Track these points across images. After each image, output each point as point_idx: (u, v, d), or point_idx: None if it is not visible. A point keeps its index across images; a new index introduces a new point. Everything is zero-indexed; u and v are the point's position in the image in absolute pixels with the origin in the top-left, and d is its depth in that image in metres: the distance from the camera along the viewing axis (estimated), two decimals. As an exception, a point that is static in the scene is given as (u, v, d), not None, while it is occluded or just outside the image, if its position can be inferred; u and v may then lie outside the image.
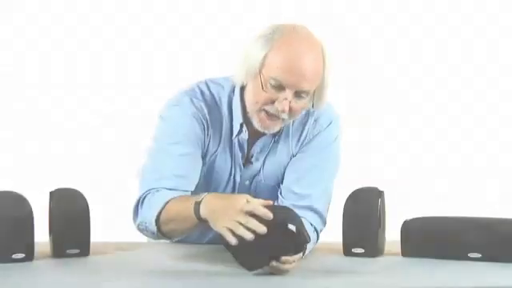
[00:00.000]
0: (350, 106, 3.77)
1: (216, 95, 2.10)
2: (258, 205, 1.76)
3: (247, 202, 1.77)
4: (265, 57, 1.96)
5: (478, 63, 3.80)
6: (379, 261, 2.05)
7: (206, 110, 2.07)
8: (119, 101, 3.63)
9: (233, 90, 2.09)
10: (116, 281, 1.81)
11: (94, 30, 3.70)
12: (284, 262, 1.80)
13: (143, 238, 2.33)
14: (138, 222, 2.02)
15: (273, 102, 1.97)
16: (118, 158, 3.58)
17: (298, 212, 2.01)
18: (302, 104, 1.99)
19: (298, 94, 1.96)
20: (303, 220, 1.99)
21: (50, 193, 2.05)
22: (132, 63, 3.72)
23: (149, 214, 1.98)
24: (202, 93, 2.09)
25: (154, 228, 1.97)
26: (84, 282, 1.80)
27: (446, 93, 3.81)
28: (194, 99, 2.07)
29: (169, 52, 3.68)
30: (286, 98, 1.95)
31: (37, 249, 1.99)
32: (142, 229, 2.01)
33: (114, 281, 1.81)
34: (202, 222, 1.85)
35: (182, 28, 3.68)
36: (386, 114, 3.81)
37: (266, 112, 1.99)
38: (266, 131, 2.03)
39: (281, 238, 1.77)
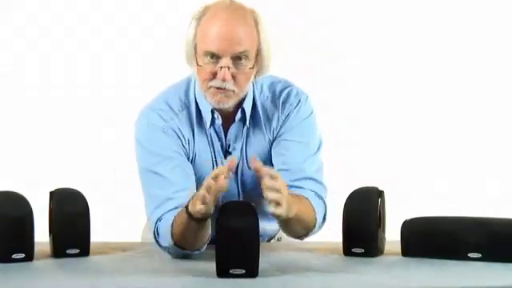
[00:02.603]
0: (350, 106, 3.78)
1: (183, 97, 2.12)
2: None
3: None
4: (195, 35, 2.01)
5: (478, 62, 3.79)
6: (379, 261, 2.05)
7: (175, 118, 2.10)
8: (119, 101, 3.63)
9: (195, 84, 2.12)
10: (116, 281, 1.81)
11: (93, 30, 3.70)
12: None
13: (144, 239, 2.33)
14: (166, 250, 2.03)
15: (215, 76, 1.99)
16: (118, 158, 3.58)
17: (298, 184, 2.07)
18: (244, 70, 2.00)
19: (235, 60, 1.98)
20: (303, 190, 2.07)
21: (50, 193, 2.05)
22: (132, 63, 3.72)
23: (167, 242, 2.00)
24: (166, 101, 2.11)
25: (177, 250, 1.99)
26: (84, 282, 1.80)
27: (447, 92, 3.81)
28: (159, 112, 2.10)
29: (169, 52, 3.67)
30: (223, 66, 1.97)
31: (37, 249, 1.99)
32: (172, 253, 2.02)
33: (114, 281, 1.81)
34: (198, 220, 1.87)
35: (183, 28, 3.68)
36: (386, 113, 3.81)
37: (213, 87, 2.01)
38: (220, 106, 2.04)
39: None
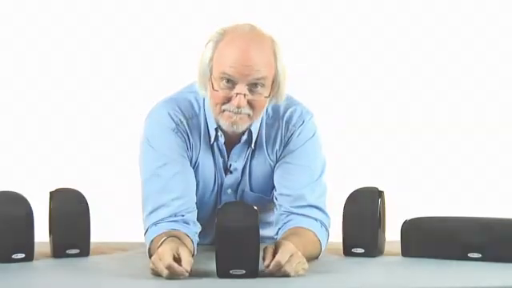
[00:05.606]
0: (350, 106, 3.78)
1: (194, 102, 2.11)
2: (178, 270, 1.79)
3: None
4: (211, 58, 1.99)
5: (478, 63, 3.80)
6: (379, 261, 2.06)
7: (185, 122, 2.09)
8: (119, 101, 3.63)
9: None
10: (116, 281, 1.81)
11: (93, 30, 3.70)
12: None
13: (143, 238, 2.33)
14: None
15: (230, 100, 1.98)
16: (118, 158, 3.58)
17: (301, 211, 2.06)
18: (259, 96, 1.98)
19: (252, 87, 1.96)
20: (309, 219, 2.05)
21: (50, 193, 2.05)
22: (132, 63, 3.72)
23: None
24: (178, 104, 2.10)
25: None
26: (84, 282, 1.80)
27: (446, 93, 3.81)
28: (171, 112, 2.09)
29: (169, 52, 3.68)
30: (239, 93, 1.96)
31: (37, 249, 1.99)
32: None
33: (114, 281, 1.81)
34: None
35: (183, 28, 3.68)
36: (386, 113, 3.81)
37: (227, 111, 1.99)
38: (234, 129, 2.02)
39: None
